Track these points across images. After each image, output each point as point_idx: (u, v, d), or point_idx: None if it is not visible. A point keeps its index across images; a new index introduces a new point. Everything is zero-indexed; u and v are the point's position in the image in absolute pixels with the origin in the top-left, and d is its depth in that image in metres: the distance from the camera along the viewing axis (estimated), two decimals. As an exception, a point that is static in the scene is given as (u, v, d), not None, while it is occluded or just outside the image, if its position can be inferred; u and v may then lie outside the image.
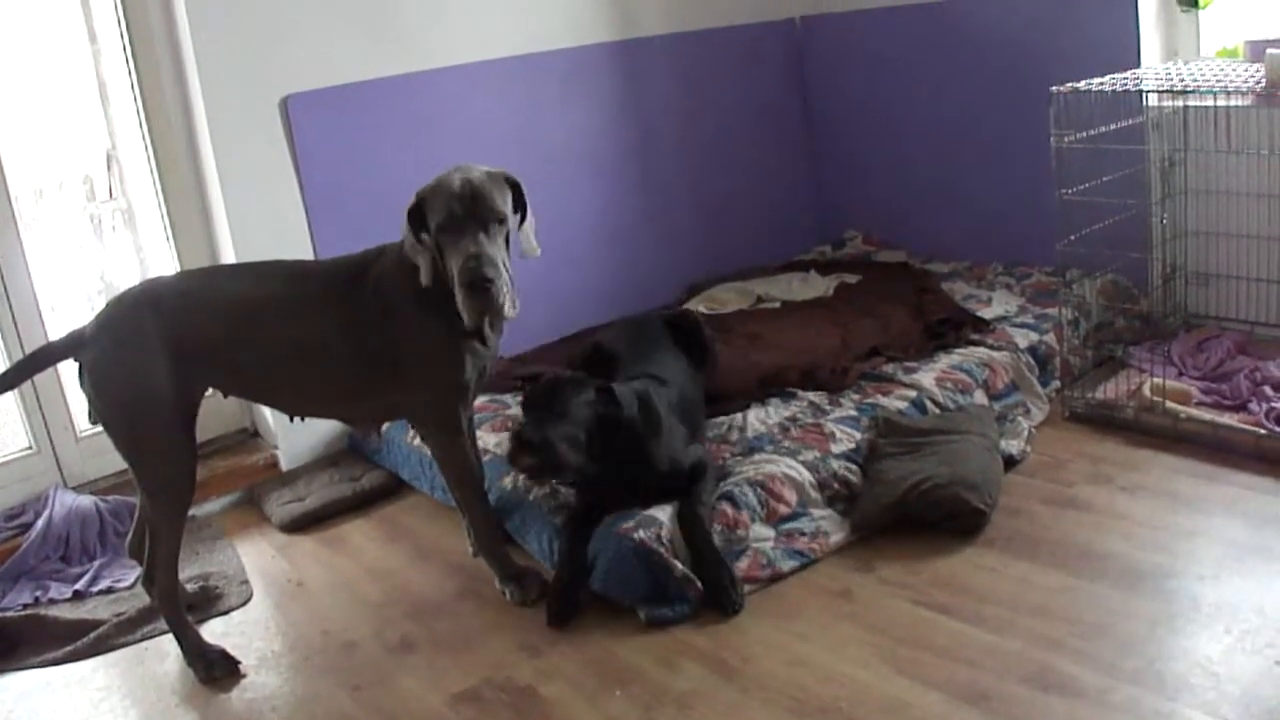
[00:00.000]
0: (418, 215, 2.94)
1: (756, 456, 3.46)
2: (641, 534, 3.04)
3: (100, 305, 3.02)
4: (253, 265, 3.27)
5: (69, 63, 4.12)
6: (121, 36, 3.98)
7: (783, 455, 3.44)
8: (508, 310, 2.94)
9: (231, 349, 3.03)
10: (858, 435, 3.58)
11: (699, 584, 3.01)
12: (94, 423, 2.99)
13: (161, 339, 2.93)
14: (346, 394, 3.18)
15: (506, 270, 2.94)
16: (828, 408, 3.76)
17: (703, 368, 3.85)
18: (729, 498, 3.24)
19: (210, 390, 3.13)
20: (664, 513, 3.13)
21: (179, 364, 2.94)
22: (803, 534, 3.26)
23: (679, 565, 3.01)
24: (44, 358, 3.03)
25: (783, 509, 3.29)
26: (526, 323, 3.74)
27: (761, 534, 3.23)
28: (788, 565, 3.15)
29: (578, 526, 3.21)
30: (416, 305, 3.00)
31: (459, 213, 2.88)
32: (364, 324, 3.05)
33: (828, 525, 3.30)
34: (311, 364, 3.09)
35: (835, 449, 3.50)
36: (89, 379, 2.92)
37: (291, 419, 3.30)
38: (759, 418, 3.74)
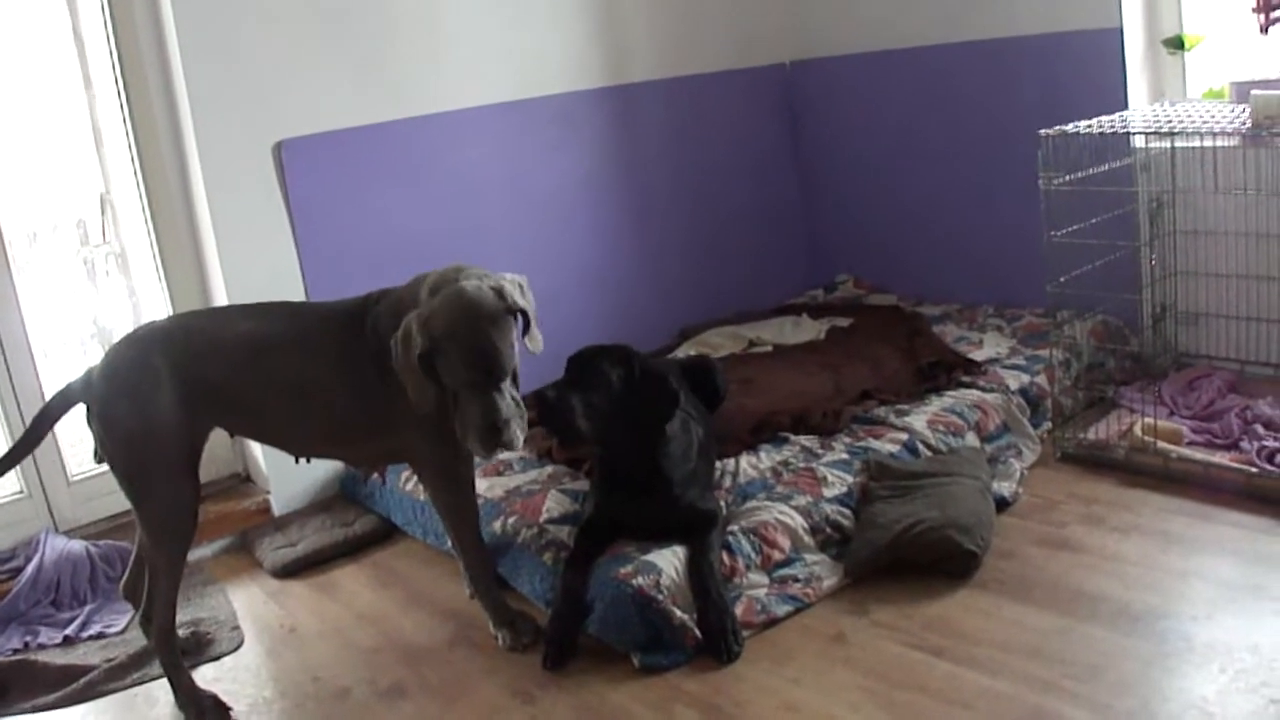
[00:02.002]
0: (425, 359, 2.86)
1: (749, 504, 3.45)
2: (640, 580, 3.03)
3: (93, 349, 3.03)
4: (259, 305, 3.27)
5: (64, 106, 4.14)
6: (116, 81, 4.00)
7: (775, 501, 3.44)
8: (519, 443, 2.95)
9: (238, 388, 3.04)
10: (850, 479, 3.58)
11: (697, 633, 3.00)
12: (99, 461, 2.99)
13: (169, 378, 2.94)
14: (348, 435, 3.18)
15: (517, 404, 2.94)
16: (820, 451, 3.76)
17: (713, 411, 3.85)
18: (725, 546, 3.24)
19: (215, 430, 3.13)
20: (663, 559, 3.12)
21: (186, 403, 2.95)
22: (796, 579, 3.25)
23: (677, 613, 3.00)
24: (59, 406, 3.00)
25: (776, 555, 3.29)
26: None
27: (756, 581, 3.22)
28: (782, 610, 3.14)
29: (577, 567, 3.20)
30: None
31: (479, 380, 2.86)
32: (362, 367, 3.05)
33: (821, 570, 3.29)
34: (314, 404, 3.09)
35: (828, 493, 3.50)
36: (96, 417, 2.94)
37: (297, 460, 3.31)
38: (751, 463, 3.73)
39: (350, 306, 3.16)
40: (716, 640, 2.99)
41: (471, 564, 3.29)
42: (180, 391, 2.95)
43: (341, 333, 3.09)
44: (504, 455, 3.45)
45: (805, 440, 3.84)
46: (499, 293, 2.91)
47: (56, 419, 3.05)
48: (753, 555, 3.25)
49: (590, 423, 3.19)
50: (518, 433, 2.91)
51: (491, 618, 3.25)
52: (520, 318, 2.98)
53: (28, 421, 3.17)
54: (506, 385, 2.91)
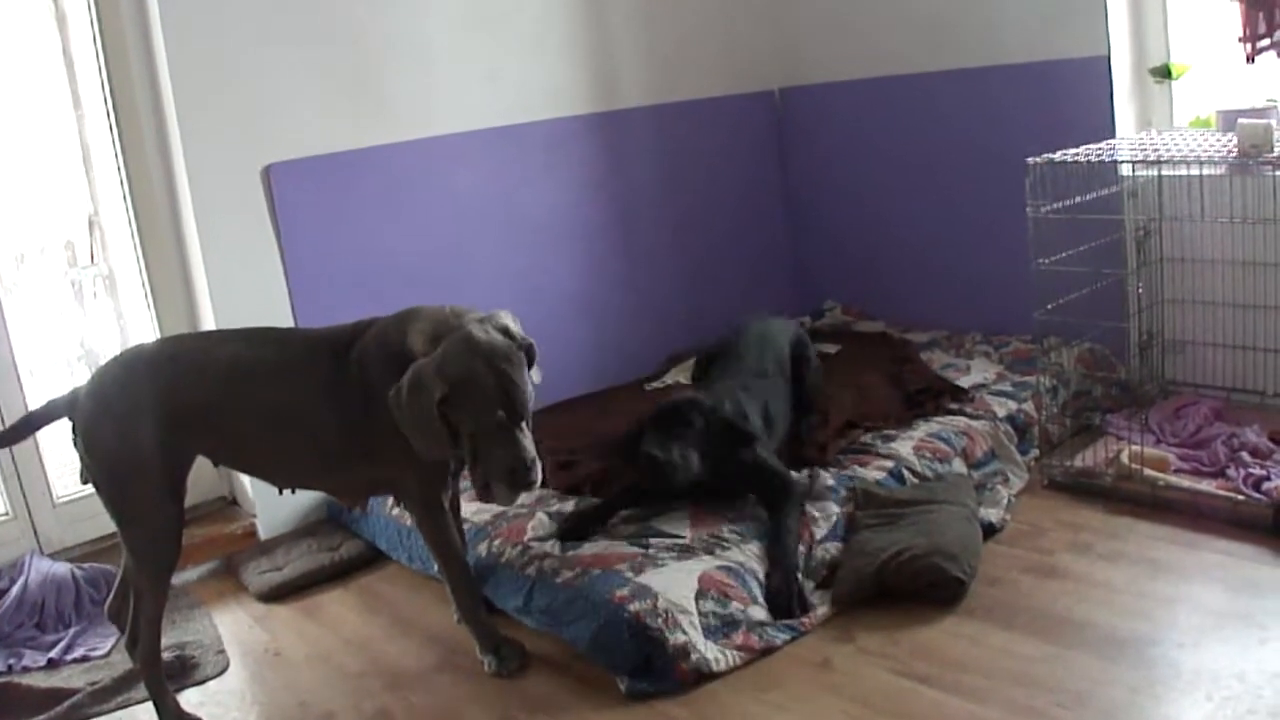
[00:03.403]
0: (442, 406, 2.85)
1: (755, 544, 3.40)
2: (636, 606, 3.02)
3: (80, 370, 3.04)
4: (245, 331, 3.27)
5: (53, 127, 4.14)
6: (105, 102, 4.01)
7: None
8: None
9: (220, 415, 3.03)
10: (836, 510, 3.56)
11: (690, 659, 2.97)
12: (85, 482, 2.99)
13: (153, 402, 2.94)
14: (330, 466, 3.16)
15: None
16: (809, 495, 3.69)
17: (801, 381, 4.10)
18: (733, 574, 3.23)
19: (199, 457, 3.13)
20: (659, 581, 3.11)
21: (169, 428, 2.95)
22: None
23: (672, 639, 2.98)
24: (42, 416, 3.05)
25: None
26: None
27: (757, 615, 3.19)
28: (780, 639, 3.13)
29: (623, 500, 3.59)
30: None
31: (504, 421, 2.86)
32: (346, 398, 3.04)
33: (812, 600, 3.29)
34: (297, 433, 3.08)
35: (819, 533, 3.47)
36: (81, 438, 2.94)
37: (280, 491, 3.29)
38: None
39: (337, 334, 3.15)
40: (780, 600, 3.19)
41: (458, 590, 3.28)
42: (163, 416, 2.94)
43: (327, 361, 3.08)
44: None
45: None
46: (506, 331, 2.93)
47: (38, 427, 3.10)
48: (757, 594, 3.23)
49: (687, 475, 3.43)
50: (539, 472, 2.93)
51: (479, 643, 3.24)
52: (526, 353, 2.98)
53: (15, 446, 3.19)
54: (526, 425, 2.92)
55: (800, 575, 3.30)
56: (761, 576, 3.28)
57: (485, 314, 2.99)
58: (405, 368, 2.89)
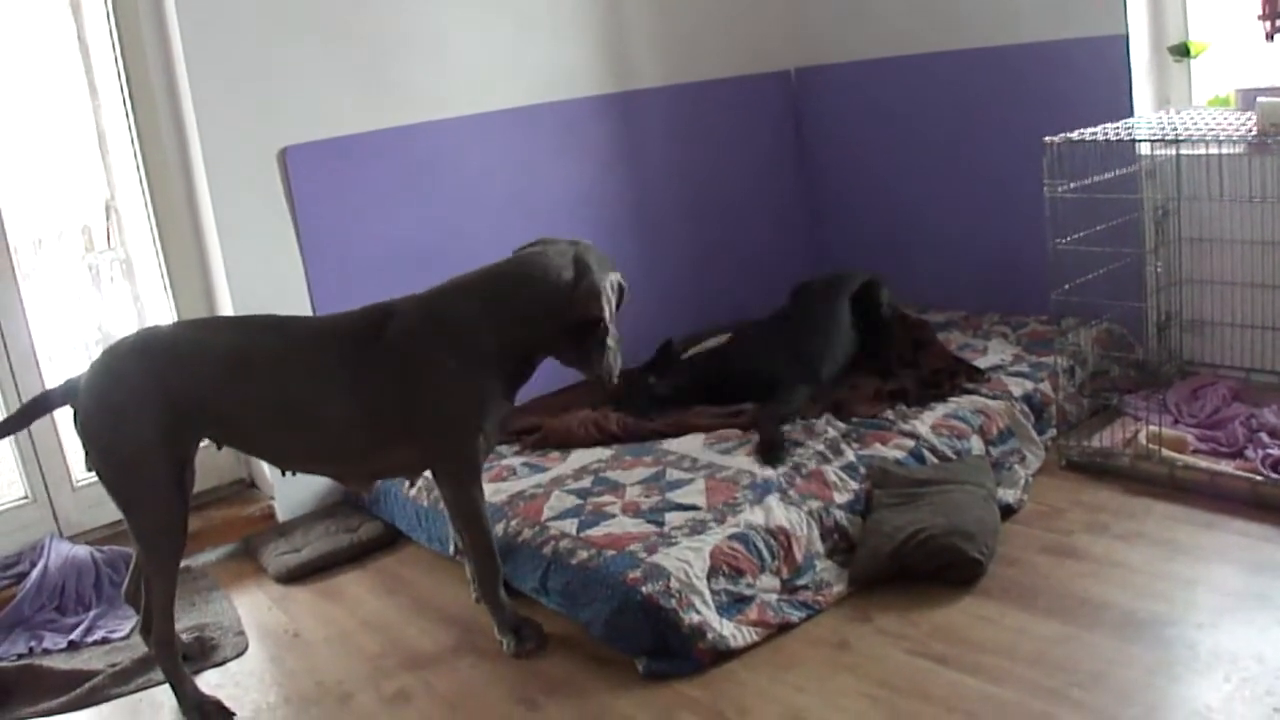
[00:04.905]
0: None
1: (768, 500, 3.42)
2: (649, 588, 3.02)
3: (98, 355, 3.03)
4: (248, 318, 3.28)
5: (69, 114, 4.15)
6: (121, 89, 4.02)
7: (790, 505, 3.42)
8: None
9: (223, 400, 3.03)
10: (856, 485, 3.58)
11: (705, 638, 2.98)
12: (90, 469, 2.99)
13: (153, 388, 2.93)
14: (343, 450, 3.17)
15: None
16: (831, 457, 3.73)
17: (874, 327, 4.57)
18: (743, 540, 3.23)
19: (205, 441, 3.13)
20: (671, 561, 3.11)
21: (170, 414, 2.94)
22: (805, 587, 3.25)
23: (686, 619, 2.98)
24: (42, 404, 3.06)
25: (788, 567, 3.28)
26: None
27: (767, 584, 3.21)
28: (796, 616, 3.14)
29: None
30: (453, 358, 3.07)
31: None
32: (376, 380, 3.06)
33: (828, 576, 3.30)
34: (307, 419, 3.09)
35: (838, 499, 3.50)
36: (81, 427, 2.94)
37: (284, 473, 3.30)
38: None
39: (358, 319, 3.16)
40: (769, 449, 3.71)
41: (482, 568, 3.29)
42: (163, 403, 2.93)
43: (347, 347, 3.09)
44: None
45: (819, 445, 3.80)
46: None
47: (35, 416, 3.10)
48: (769, 560, 3.24)
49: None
50: None
51: (497, 623, 3.25)
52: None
53: (31, 426, 3.19)
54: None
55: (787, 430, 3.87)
56: (765, 535, 3.29)
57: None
58: (459, 334, 3.09)
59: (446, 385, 3.09)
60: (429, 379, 3.06)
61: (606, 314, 3.14)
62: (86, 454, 2.96)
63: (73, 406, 2.97)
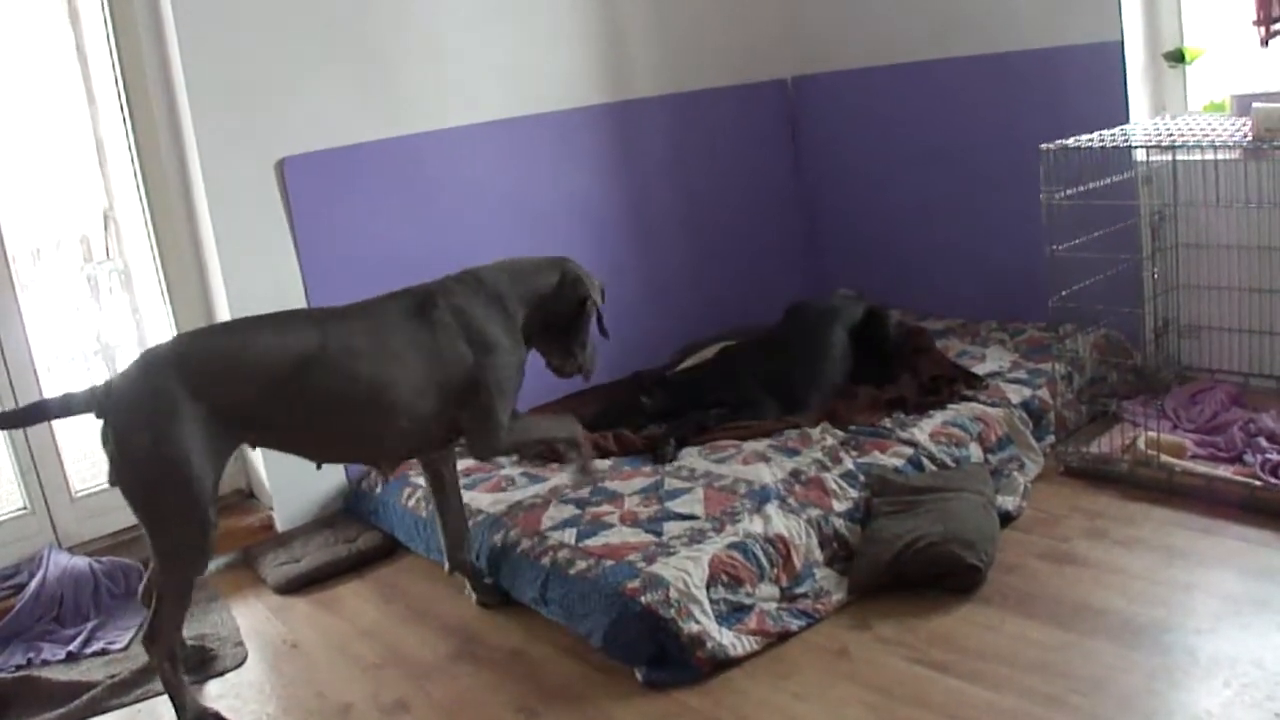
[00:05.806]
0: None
1: (767, 508, 3.42)
2: (648, 598, 3.01)
3: (97, 365, 3.01)
4: (289, 314, 3.25)
5: (68, 124, 4.15)
6: (119, 97, 4.02)
7: (789, 513, 3.42)
8: None
9: (273, 403, 3.00)
10: (855, 493, 3.58)
11: (705, 648, 2.98)
12: (114, 484, 2.90)
13: (191, 401, 2.87)
14: (395, 430, 3.19)
15: None
16: (830, 464, 3.73)
17: (881, 358, 4.50)
18: (742, 549, 3.23)
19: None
20: (669, 571, 3.10)
21: (212, 426, 2.90)
22: (804, 595, 3.25)
23: (685, 629, 2.98)
24: (58, 408, 2.91)
25: (787, 575, 3.28)
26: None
27: (767, 593, 3.21)
28: (795, 624, 3.14)
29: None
30: (505, 321, 3.34)
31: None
32: (439, 350, 3.20)
33: (827, 584, 3.30)
34: (378, 404, 3.11)
35: (837, 507, 3.50)
36: (114, 444, 2.85)
37: (319, 467, 3.34)
38: (768, 470, 3.71)
39: (408, 298, 3.29)
40: (658, 444, 4.00)
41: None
42: (202, 415, 2.88)
43: (410, 327, 3.21)
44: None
45: (817, 454, 3.80)
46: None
47: (51, 417, 3.03)
48: (768, 568, 3.24)
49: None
50: None
51: (474, 577, 3.58)
52: None
53: (30, 437, 3.17)
54: None
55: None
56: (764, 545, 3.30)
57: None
58: (504, 304, 3.36)
59: (504, 343, 3.31)
60: (488, 346, 3.26)
61: (595, 294, 3.50)
62: (113, 466, 2.87)
63: (101, 417, 2.87)
